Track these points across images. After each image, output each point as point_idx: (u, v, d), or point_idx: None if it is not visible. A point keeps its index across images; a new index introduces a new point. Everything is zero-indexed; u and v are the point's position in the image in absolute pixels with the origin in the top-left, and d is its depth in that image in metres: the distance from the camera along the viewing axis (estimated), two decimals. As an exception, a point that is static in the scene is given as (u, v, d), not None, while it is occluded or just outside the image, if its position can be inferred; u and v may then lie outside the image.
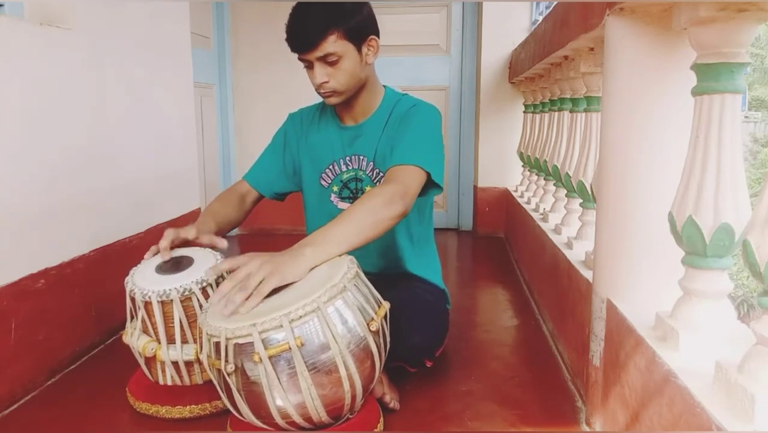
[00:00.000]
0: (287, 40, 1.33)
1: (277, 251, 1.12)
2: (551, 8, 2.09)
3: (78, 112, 1.68)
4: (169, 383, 1.33)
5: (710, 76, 0.92)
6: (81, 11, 1.67)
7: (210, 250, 1.35)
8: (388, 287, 1.23)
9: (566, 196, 1.98)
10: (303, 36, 1.31)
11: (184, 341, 1.28)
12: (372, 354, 1.09)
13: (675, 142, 1.08)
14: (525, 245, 2.54)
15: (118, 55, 1.88)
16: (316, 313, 1.01)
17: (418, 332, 1.35)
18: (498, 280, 2.55)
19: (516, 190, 3.17)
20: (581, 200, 1.76)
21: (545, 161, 2.26)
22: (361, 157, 1.49)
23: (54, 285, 1.54)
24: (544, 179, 2.54)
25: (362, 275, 1.13)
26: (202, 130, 3.07)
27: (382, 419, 1.23)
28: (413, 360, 1.41)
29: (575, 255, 1.64)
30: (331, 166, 1.53)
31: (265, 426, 1.08)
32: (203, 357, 1.09)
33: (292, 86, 3.14)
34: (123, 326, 1.38)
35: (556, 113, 2.16)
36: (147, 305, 1.26)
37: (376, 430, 1.19)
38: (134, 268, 1.34)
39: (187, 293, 1.25)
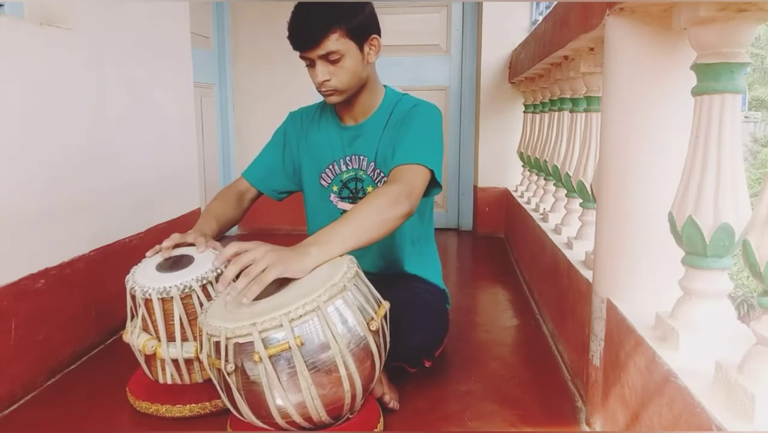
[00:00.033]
0: (289, 38, 1.33)
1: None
2: (551, 8, 2.09)
3: (78, 112, 1.68)
4: (169, 381, 1.33)
5: (710, 76, 0.92)
6: (81, 11, 1.67)
7: (211, 249, 1.35)
8: (388, 286, 1.23)
9: (566, 196, 1.98)
10: (305, 34, 1.31)
11: (184, 339, 1.28)
12: (372, 354, 1.09)
13: (675, 142, 1.09)
14: (525, 245, 2.54)
15: (118, 55, 1.88)
16: (316, 312, 1.01)
17: (417, 332, 1.35)
18: (498, 280, 2.55)
19: (516, 190, 3.17)
20: (581, 200, 1.76)
21: (545, 161, 2.26)
22: (362, 157, 1.49)
23: (54, 285, 1.54)
24: (544, 179, 2.54)
25: (362, 274, 1.13)
26: (202, 130, 3.07)
27: (382, 419, 1.23)
28: (413, 360, 1.41)
29: (575, 255, 1.64)
30: (331, 166, 1.52)
31: (265, 426, 1.08)
32: (203, 357, 1.09)
33: (292, 86, 3.15)
34: (123, 326, 1.38)
35: (556, 113, 2.16)
36: (147, 302, 1.27)
37: (376, 430, 1.19)
38: (135, 266, 1.35)
39: (187, 290, 1.26)
